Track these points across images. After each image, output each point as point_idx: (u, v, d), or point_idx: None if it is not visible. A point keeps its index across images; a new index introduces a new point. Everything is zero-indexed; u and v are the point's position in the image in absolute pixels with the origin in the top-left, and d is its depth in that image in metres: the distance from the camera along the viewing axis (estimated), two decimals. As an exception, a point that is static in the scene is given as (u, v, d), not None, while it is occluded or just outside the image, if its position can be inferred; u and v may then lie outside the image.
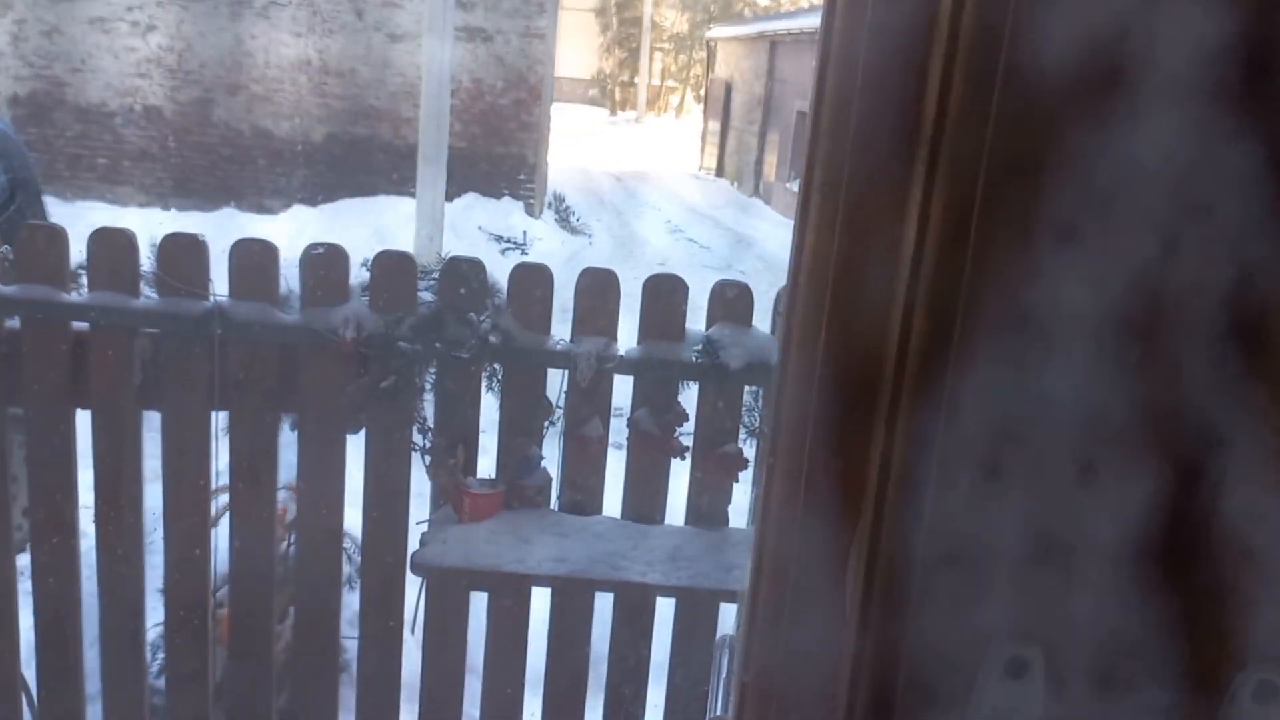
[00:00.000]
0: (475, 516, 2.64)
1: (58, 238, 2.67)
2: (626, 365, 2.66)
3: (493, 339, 2.62)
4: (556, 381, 2.69)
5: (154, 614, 2.88)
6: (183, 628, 2.82)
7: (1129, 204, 0.50)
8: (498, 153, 12.99)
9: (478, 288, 2.65)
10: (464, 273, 2.66)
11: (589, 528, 2.67)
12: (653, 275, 2.71)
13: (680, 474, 2.74)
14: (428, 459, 2.71)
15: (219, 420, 2.73)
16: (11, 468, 2.88)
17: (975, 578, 0.53)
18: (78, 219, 5.19)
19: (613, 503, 2.76)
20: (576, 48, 38.51)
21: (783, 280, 0.73)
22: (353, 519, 2.83)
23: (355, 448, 2.73)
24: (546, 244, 11.76)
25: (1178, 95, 0.49)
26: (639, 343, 2.68)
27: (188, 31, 12.46)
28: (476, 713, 2.85)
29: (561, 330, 2.68)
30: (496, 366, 2.69)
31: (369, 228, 10.64)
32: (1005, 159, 0.49)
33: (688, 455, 2.71)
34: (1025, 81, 0.50)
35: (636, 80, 41.43)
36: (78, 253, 2.67)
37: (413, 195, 10.03)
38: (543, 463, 2.73)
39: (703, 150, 26.38)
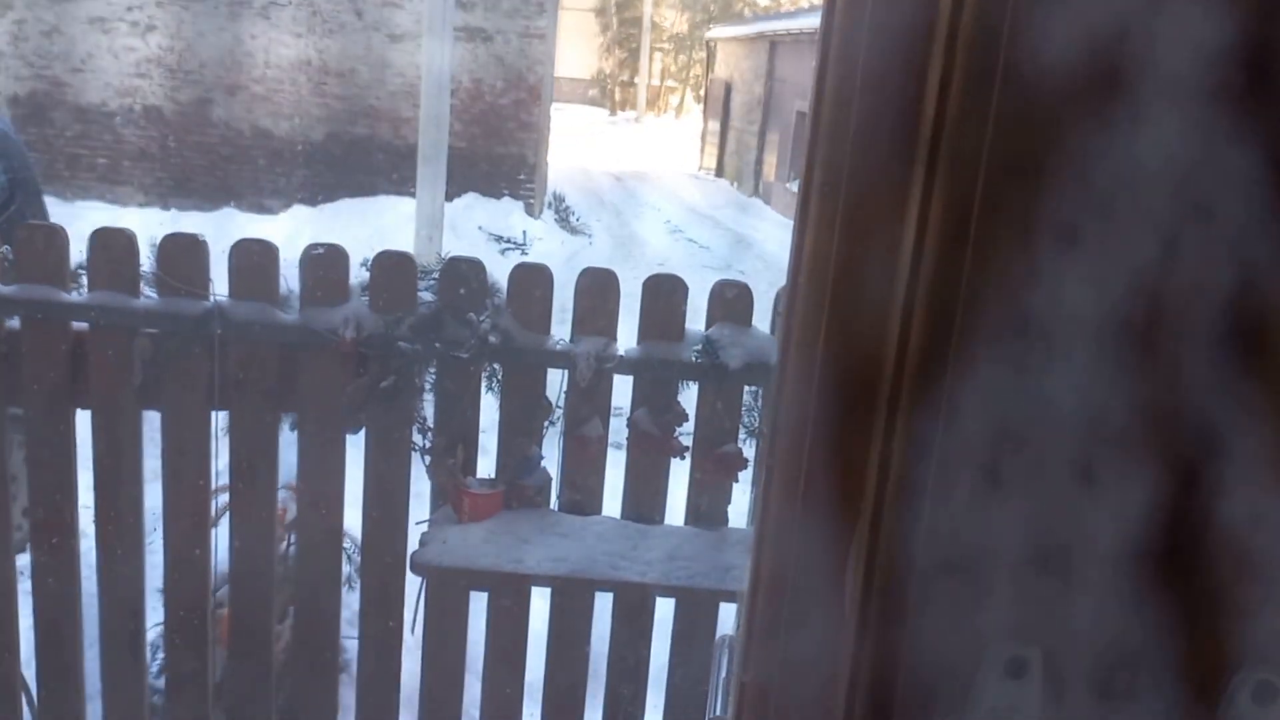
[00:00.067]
0: (475, 516, 2.64)
1: (57, 237, 2.67)
2: (626, 365, 2.66)
3: (492, 339, 2.62)
4: (556, 381, 2.69)
5: (154, 614, 2.88)
6: (182, 628, 2.82)
7: (1129, 205, 0.50)
8: (498, 153, 12.99)
9: (477, 288, 2.65)
10: (464, 273, 2.66)
11: (589, 528, 2.67)
12: (652, 275, 2.71)
13: (680, 474, 2.74)
14: (427, 459, 2.70)
15: (219, 420, 2.73)
16: (11, 467, 2.88)
17: (974, 581, 0.53)
18: (77, 219, 5.20)
19: (612, 503, 2.76)
20: (576, 48, 38.50)
21: (782, 280, 0.73)
22: (352, 519, 2.83)
23: (355, 448, 2.73)
24: (546, 244, 11.76)
25: (1178, 96, 0.49)
26: (639, 343, 2.68)
27: (187, 31, 12.45)
28: (476, 713, 2.85)
29: (561, 330, 2.68)
30: (496, 366, 2.69)
31: (369, 228, 10.63)
32: (1005, 159, 0.49)
33: (687, 455, 2.71)
34: (1024, 82, 0.50)
35: (636, 80, 41.43)
36: (78, 253, 2.67)
37: (412, 195, 10.03)
38: (542, 463, 2.73)
39: (702, 150, 26.38)
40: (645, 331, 2.68)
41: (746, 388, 2.68)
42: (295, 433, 2.74)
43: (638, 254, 12.47)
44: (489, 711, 2.83)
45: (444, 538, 2.59)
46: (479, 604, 2.79)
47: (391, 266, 2.66)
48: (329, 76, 12.59)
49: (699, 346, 2.64)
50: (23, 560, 2.91)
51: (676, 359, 2.65)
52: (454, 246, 8.44)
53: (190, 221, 10.24)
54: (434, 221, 9.32)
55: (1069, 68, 0.49)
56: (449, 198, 10.14)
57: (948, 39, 0.50)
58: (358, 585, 2.91)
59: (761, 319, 2.71)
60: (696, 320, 2.70)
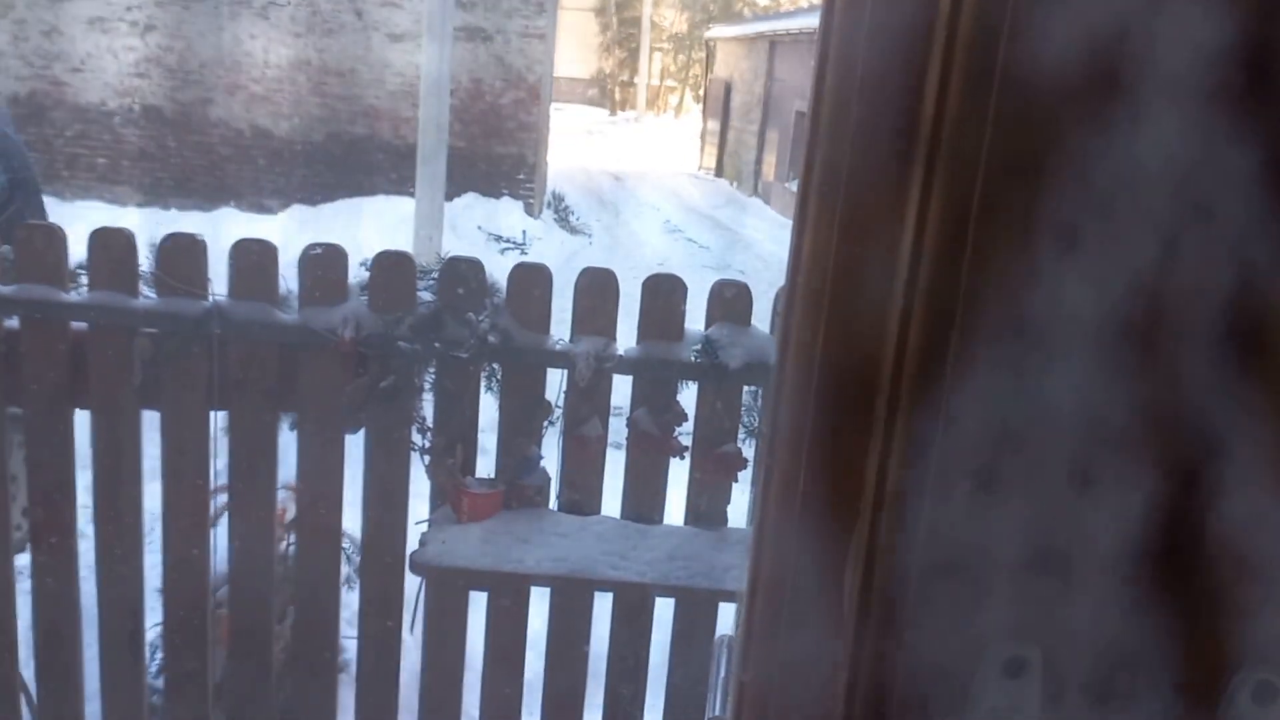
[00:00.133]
0: (474, 516, 2.64)
1: (56, 237, 2.67)
2: (625, 365, 2.66)
3: (492, 339, 2.61)
4: (556, 381, 2.69)
5: (153, 614, 2.88)
6: (182, 628, 2.82)
7: (1128, 206, 0.50)
8: (497, 152, 12.99)
9: (476, 287, 2.65)
10: (463, 272, 2.66)
11: (588, 527, 2.67)
12: (651, 275, 2.71)
13: (679, 474, 2.74)
14: (426, 459, 2.70)
15: (218, 420, 2.73)
16: (11, 467, 2.88)
17: (974, 581, 0.53)
18: (77, 218, 5.19)
19: (612, 503, 2.76)
20: (576, 48, 38.51)
21: (782, 280, 0.73)
22: (352, 519, 2.83)
23: (354, 447, 2.73)
24: (546, 244, 11.76)
25: (1177, 96, 0.49)
26: (638, 342, 2.68)
27: (187, 31, 12.45)
28: (475, 712, 2.85)
29: (561, 330, 2.68)
30: (495, 366, 2.69)
31: (368, 227, 10.63)
32: (1004, 160, 0.49)
33: (687, 455, 2.71)
34: (1023, 82, 0.50)
35: (636, 80, 41.44)
36: (77, 252, 2.67)
37: (412, 195, 10.03)
38: (542, 462, 2.73)
39: (702, 150, 26.38)
40: (644, 331, 2.67)
41: (746, 388, 2.68)
42: (294, 432, 2.74)
43: (637, 254, 12.47)
44: (488, 711, 2.83)
45: (443, 538, 2.59)
46: (478, 604, 2.79)
47: (391, 266, 2.66)
48: (329, 76, 12.60)
49: (698, 346, 2.64)
50: (22, 560, 2.91)
51: (676, 359, 2.65)
52: (453, 246, 8.43)
53: (190, 221, 10.24)
54: (433, 221, 9.32)
55: (1067, 68, 0.49)
56: (448, 197, 10.14)
57: (947, 38, 0.50)
58: (357, 585, 2.91)
59: (761, 319, 2.71)
60: (696, 320, 2.70)
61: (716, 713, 0.90)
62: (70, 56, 12.54)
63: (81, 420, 2.73)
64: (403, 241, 8.15)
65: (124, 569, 2.77)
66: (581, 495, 2.73)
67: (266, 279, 2.65)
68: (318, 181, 12.71)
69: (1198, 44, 0.48)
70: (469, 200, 12.36)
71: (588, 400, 2.67)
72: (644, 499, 2.74)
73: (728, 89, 23.89)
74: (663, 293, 2.67)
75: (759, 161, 20.64)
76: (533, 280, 2.66)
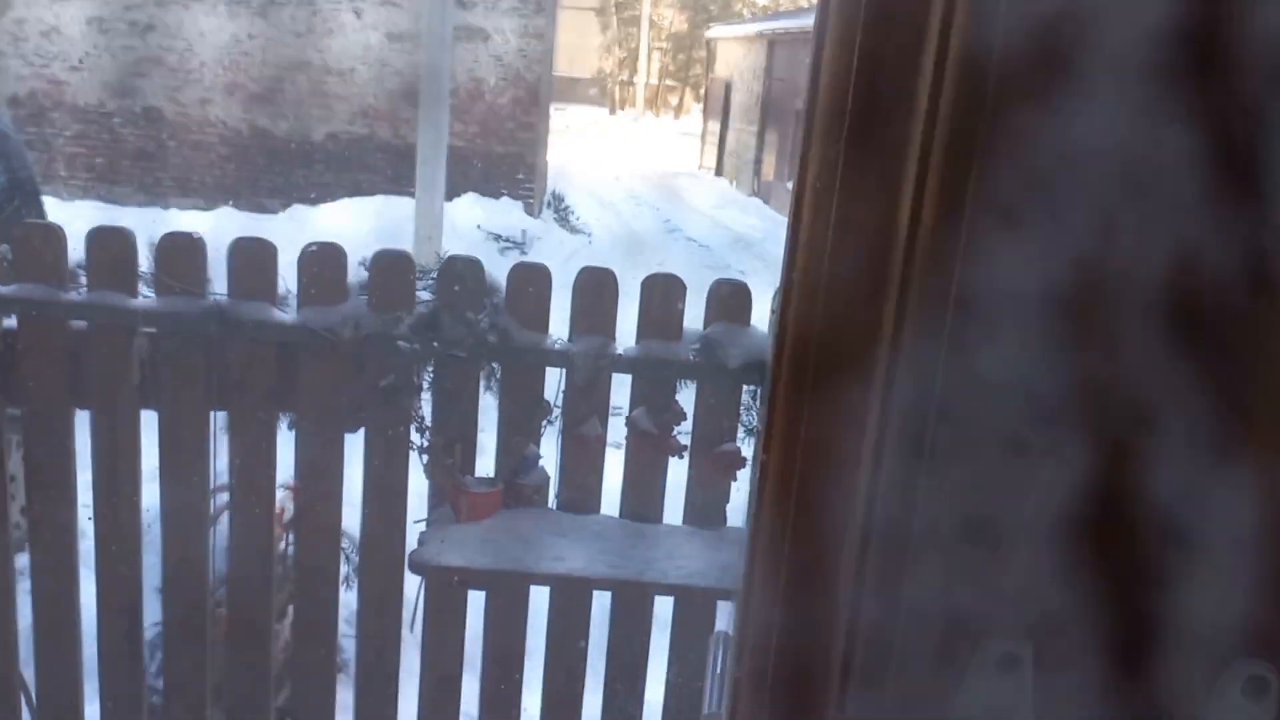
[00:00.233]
0: (473, 516, 2.64)
1: (55, 236, 2.67)
2: (624, 364, 2.66)
3: (491, 338, 2.62)
4: (555, 380, 2.69)
5: (152, 613, 2.88)
6: (181, 627, 2.82)
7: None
8: (497, 152, 12.99)
9: (475, 287, 2.65)
10: (462, 272, 2.66)
11: (587, 527, 2.67)
12: (650, 274, 2.71)
13: (678, 473, 2.74)
14: (425, 458, 2.71)
15: (217, 419, 2.73)
16: (10, 467, 2.88)
17: (966, 569, 0.54)
18: (76, 218, 5.18)
19: (611, 502, 2.76)
20: (576, 47, 38.50)
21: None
22: (351, 518, 2.83)
23: (354, 447, 2.73)
24: (546, 243, 11.76)
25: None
26: (637, 342, 2.68)
27: (187, 31, 12.45)
28: (474, 711, 2.85)
29: (560, 329, 2.68)
30: (494, 365, 2.69)
31: (368, 227, 10.62)
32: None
33: (686, 454, 2.71)
34: (1022, 74, 0.50)
35: (636, 80, 41.45)
36: (76, 252, 2.67)
37: (412, 195, 10.03)
38: (541, 462, 2.73)
39: (702, 149, 26.38)
40: (643, 330, 2.68)
41: (745, 387, 2.68)
42: (293, 432, 2.74)
43: (637, 253, 12.47)
44: (487, 710, 2.83)
45: (442, 537, 2.59)
46: (477, 603, 2.79)
47: (390, 266, 2.66)
48: (328, 76, 12.59)
49: (697, 345, 2.65)
50: (21, 560, 2.91)
51: (675, 358, 2.65)
52: (453, 246, 8.41)
53: (189, 221, 10.24)
54: (433, 221, 9.32)
55: (1050, 59, 0.50)
56: (448, 197, 10.14)
57: (939, 36, 0.50)
58: (356, 584, 2.91)
59: (760, 318, 2.71)
60: (695, 320, 2.70)
61: (712, 709, 0.90)
62: (70, 56, 12.53)
63: (81, 420, 2.73)
64: (403, 241, 8.13)
65: (123, 568, 2.77)
66: (580, 494, 2.73)
67: (265, 278, 2.65)
68: (317, 181, 12.71)
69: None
70: (469, 200, 12.36)
71: (587, 399, 2.67)
72: (643, 498, 2.74)
73: (728, 89, 23.89)
74: (661, 292, 2.67)
75: (759, 161, 20.64)
76: (531, 280, 2.66)
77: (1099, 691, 0.53)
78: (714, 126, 25.16)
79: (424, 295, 2.66)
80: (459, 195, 12.08)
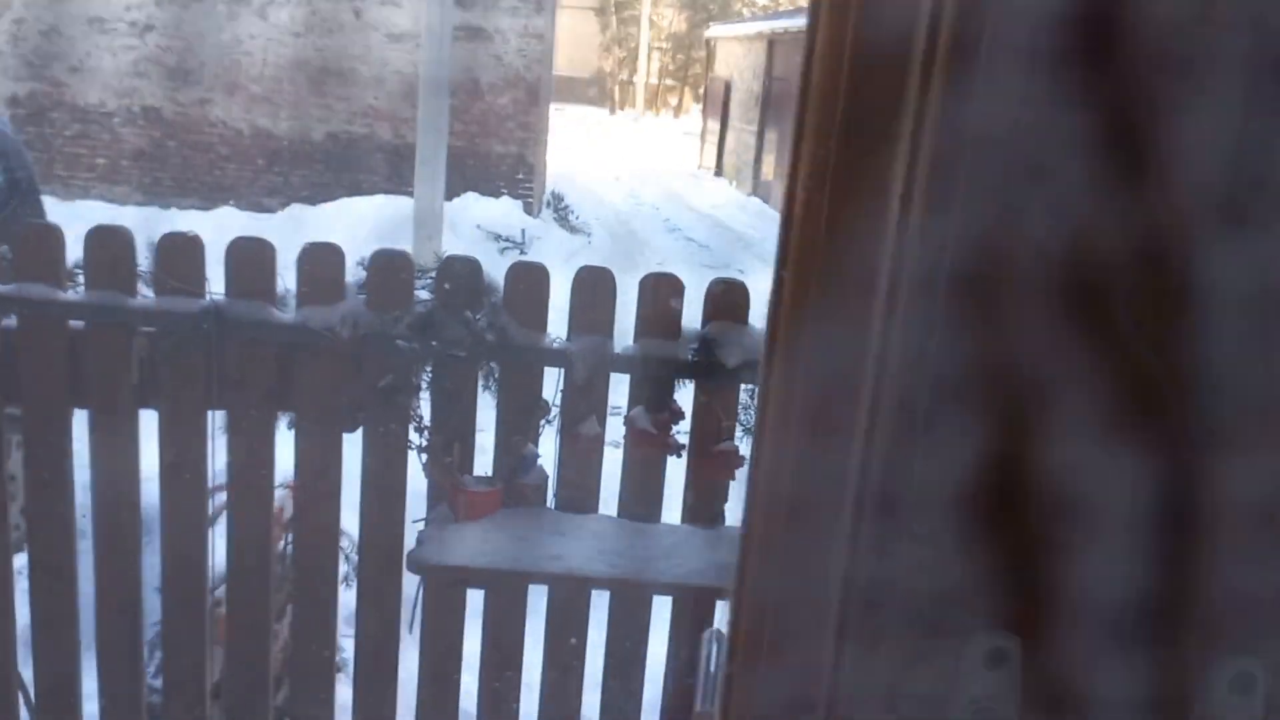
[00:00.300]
0: (472, 515, 2.64)
1: (54, 236, 2.67)
2: (623, 363, 2.66)
3: (489, 338, 2.62)
4: (553, 380, 2.69)
5: (151, 613, 2.88)
6: (180, 627, 2.83)
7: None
8: (496, 152, 12.99)
9: (474, 286, 2.65)
10: (460, 272, 2.66)
11: (585, 526, 2.67)
12: (649, 273, 2.71)
13: (677, 472, 2.74)
14: (424, 457, 2.71)
15: (216, 419, 2.73)
16: (9, 467, 2.88)
17: (958, 566, 0.54)
18: (76, 218, 5.18)
19: (609, 501, 2.76)
20: (575, 47, 38.50)
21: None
22: (349, 518, 2.84)
23: (352, 446, 2.74)
24: (545, 243, 11.76)
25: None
26: (635, 341, 2.68)
27: (186, 31, 12.45)
28: (473, 710, 2.85)
29: (559, 329, 2.69)
30: (493, 365, 2.69)
31: (368, 227, 10.63)
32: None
33: (684, 453, 2.71)
34: (1012, 66, 0.50)
35: (635, 79, 41.46)
36: (75, 251, 2.67)
37: (411, 194, 10.03)
38: (539, 461, 2.73)
39: (701, 149, 26.38)
40: (642, 329, 2.68)
41: (744, 386, 2.69)
42: (292, 431, 2.74)
43: (636, 252, 12.48)
44: (486, 709, 2.83)
45: (441, 536, 2.59)
46: (476, 602, 2.79)
47: (388, 265, 2.66)
48: (328, 76, 12.59)
49: (696, 345, 2.65)
50: (20, 559, 2.92)
51: (673, 357, 2.65)
52: (453, 246, 8.42)
53: (189, 221, 10.24)
54: (433, 221, 9.33)
55: (1040, 55, 0.50)
56: (448, 197, 10.15)
57: (929, 31, 0.50)
58: (355, 584, 2.91)
59: (759, 317, 2.71)
60: (694, 319, 2.70)
61: (704, 706, 0.91)
62: (69, 56, 12.54)
63: (80, 420, 2.73)
64: (402, 241, 8.14)
65: (122, 568, 2.77)
66: (579, 494, 2.73)
67: (264, 278, 2.65)
68: (317, 181, 12.71)
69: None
70: (468, 200, 12.36)
71: (585, 399, 2.67)
72: (641, 497, 2.74)
73: (727, 88, 23.89)
74: (660, 291, 2.67)
75: (758, 161, 20.63)
76: (530, 279, 2.66)
77: (1086, 686, 0.53)
78: (713, 126, 25.15)
79: (423, 295, 2.66)
80: (458, 195, 12.08)
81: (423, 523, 2.70)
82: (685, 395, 2.72)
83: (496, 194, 12.83)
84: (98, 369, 2.67)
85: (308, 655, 2.85)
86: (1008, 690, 0.51)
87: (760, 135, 20.55)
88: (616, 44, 42.88)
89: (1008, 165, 0.51)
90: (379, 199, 12.17)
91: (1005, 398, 0.52)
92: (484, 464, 2.79)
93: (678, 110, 43.29)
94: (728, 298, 2.67)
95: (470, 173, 12.57)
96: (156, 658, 2.95)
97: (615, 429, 2.76)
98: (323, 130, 12.71)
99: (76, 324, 2.66)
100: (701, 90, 32.68)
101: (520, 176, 13.09)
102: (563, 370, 2.66)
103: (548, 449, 2.75)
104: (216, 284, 2.65)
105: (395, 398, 2.65)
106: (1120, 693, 0.53)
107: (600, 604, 2.80)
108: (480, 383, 2.70)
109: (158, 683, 2.92)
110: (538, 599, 2.80)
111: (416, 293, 2.66)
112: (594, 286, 2.66)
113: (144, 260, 2.67)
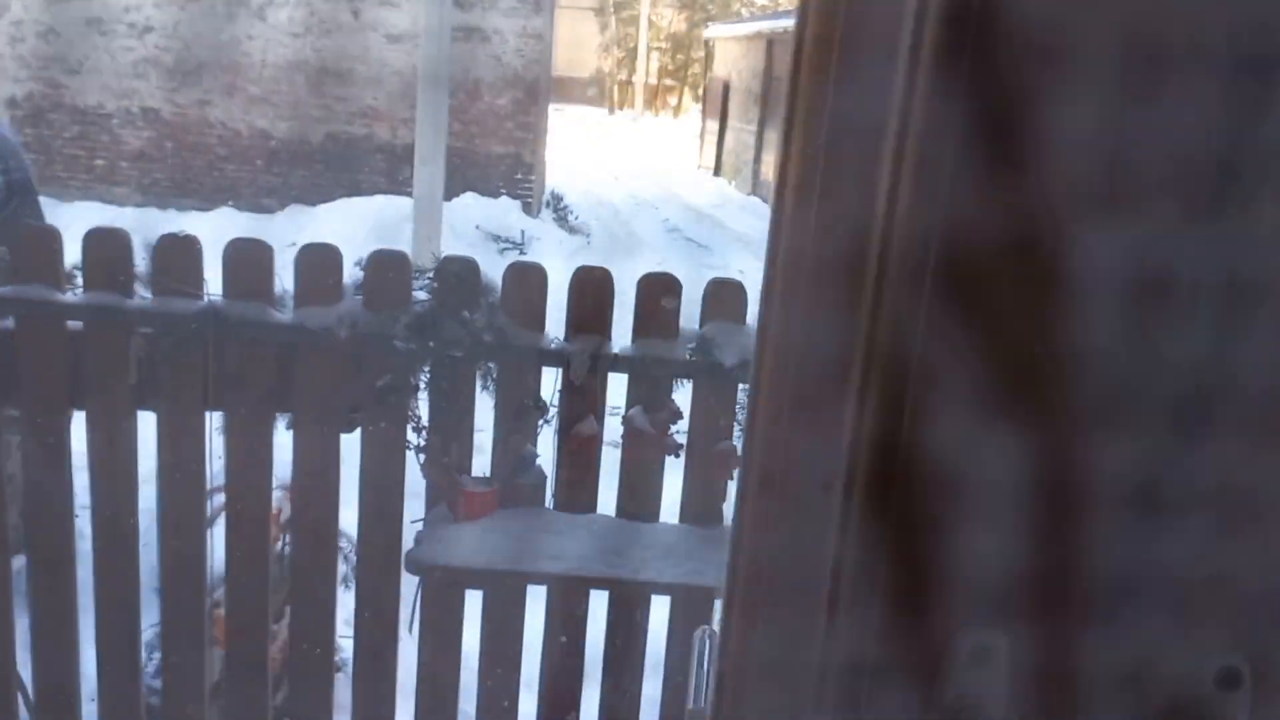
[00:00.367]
0: (470, 515, 2.64)
1: (52, 238, 2.67)
2: (621, 363, 2.66)
3: (487, 338, 2.62)
4: (551, 380, 2.70)
5: (150, 614, 2.88)
6: (178, 627, 2.83)
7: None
8: (495, 152, 12.99)
9: (472, 287, 2.65)
10: (458, 272, 2.66)
11: (584, 525, 2.67)
12: (647, 273, 2.71)
13: (675, 472, 2.74)
14: (422, 457, 2.71)
15: (214, 420, 2.74)
16: (7, 468, 2.89)
17: (951, 564, 0.54)
18: (75, 220, 5.19)
19: (607, 500, 2.76)
20: (574, 47, 38.52)
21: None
22: (348, 518, 2.84)
23: (350, 447, 2.74)
24: (544, 243, 11.76)
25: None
26: (633, 341, 2.68)
27: (185, 32, 12.45)
28: (472, 710, 2.85)
29: (556, 329, 2.69)
30: (491, 365, 2.69)
31: (367, 227, 10.63)
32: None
33: (682, 453, 2.71)
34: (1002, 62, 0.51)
35: (634, 79, 41.48)
36: (73, 253, 2.68)
37: (410, 195, 10.03)
38: (537, 461, 2.74)
39: (701, 149, 26.37)
40: (640, 329, 2.68)
41: (741, 385, 2.69)
42: (290, 432, 2.74)
43: (636, 252, 12.48)
44: (485, 709, 2.83)
45: (439, 536, 2.59)
46: (475, 602, 2.79)
47: (386, 266, 2.66)
48: (327, 76, 12.60)
49: (693, 344, 2.65)
50: (19, 561, 2.92)
51: (671, 357, 2.66)
52: (452, 246, 8.43)
53: (188, 221, 10.23)
54: (432, 221, 9.32)
55: (1028, 51, 0.50)
56: (447, 197, 10.15)
57: (914, 30, 0.50)
58: (353, 584, 2.91)
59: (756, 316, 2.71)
60: (692, 319, 2.70)
61: (697, 704, 0.91)
62: (68, 58, 12.54)
63: (78, 420, 2.73)
64: (401, 241, 8.15)
65: (120, 569, 2.77)
66: (577, 493, 2.73)
67: (262, 279, 2.65)
68: (316, 182, 12.72)
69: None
70: (467, 200, 12.36)
71: (583, 398, 2.67)
72: (639, 497, 2.74)
73: (726, 88, 23.89)
74: (657, 291, 2.67)
75: (757, 161, 20.63)
76: (528, 279, 2.66)
77: (1070, 680, 0.53)
78: (712, 126, 25.15)
79: (420, 295, 2.67)
80: (457, 195, 12.08)
81: (421, 523, 2.70)
82: (683, 395, 2.72)
83: (495, 194, 12.83)
84: (96, 370, 2.67)
85: (306, 656, 2.86)
86: (996, 683, 0.51)
87: (759, 135, 20.55)
88: (615, 44, 42.91)
89: (994, 158, 0.51)
90: (378, 199, 12.18)
91: (991, 384, 0.52)
92: (482, 464, 2.79)
93: (677, 110, 43.30)
94: (725, 297, 2.68)
95: (469, 173, 12.58)
96: (155, 658, 2.95)
97: (613, 429, 2.77)
98: (321, 131, 12.71)
99: (75, 325, 2.66)
100: (700, 90, 32.69)
101: (519, 177, 13.10)
102: (561, 370, 2.66)
103: (546, 449, 2.76)
104: (215, 285, 2.65)
105: (393, 398, 2.65)
106: (1103, 688, 0.53)
107: (599, 604, 2.80)
108: (478, 383, 2.70)
109: (157, 683, 2.92)
110: (536, 599, 2.80)
111: (414, 293, 2.66)
112: (592, 286, 2.67)
113: (142, 261, 2.67)
